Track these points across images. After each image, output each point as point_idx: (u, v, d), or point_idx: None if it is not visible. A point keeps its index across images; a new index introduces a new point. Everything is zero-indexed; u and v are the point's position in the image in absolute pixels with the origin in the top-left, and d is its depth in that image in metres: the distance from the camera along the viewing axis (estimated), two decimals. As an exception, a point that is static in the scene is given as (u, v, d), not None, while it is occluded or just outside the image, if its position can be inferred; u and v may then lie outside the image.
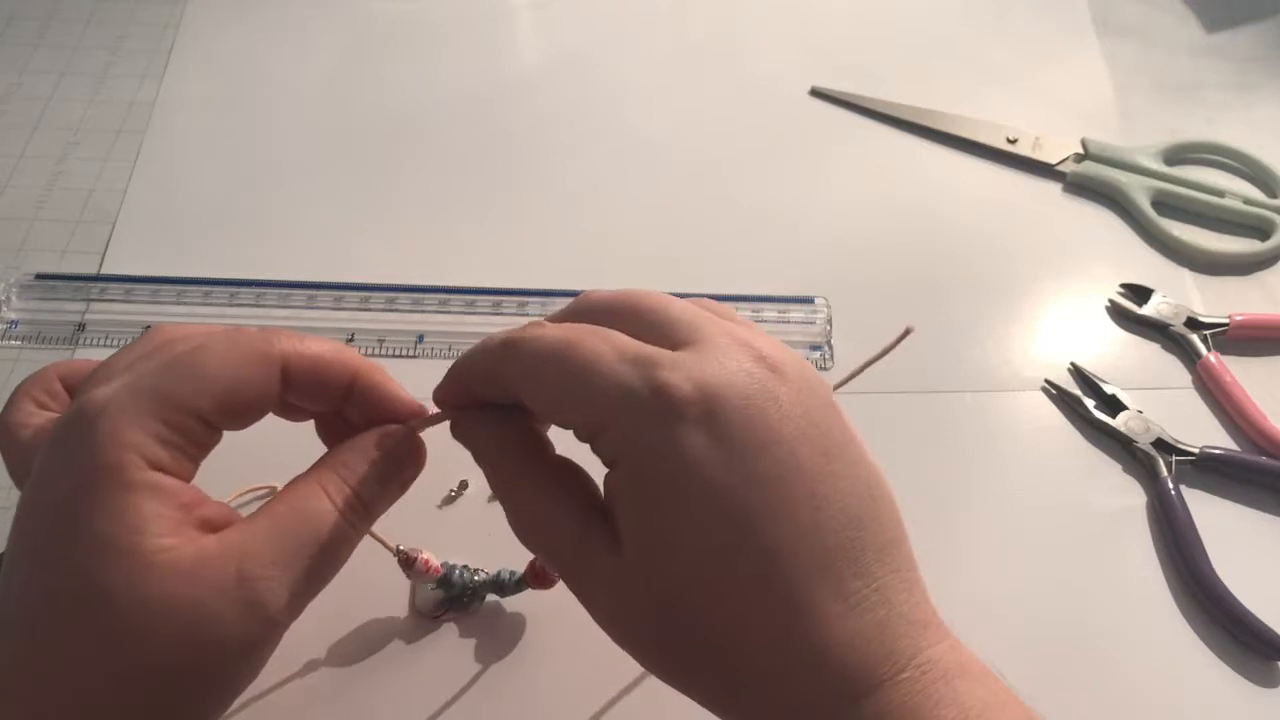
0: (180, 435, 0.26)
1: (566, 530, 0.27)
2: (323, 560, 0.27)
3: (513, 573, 0.37)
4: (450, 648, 0.37)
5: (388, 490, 0.30)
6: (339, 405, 0.29)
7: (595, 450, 0.26)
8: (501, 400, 0.28)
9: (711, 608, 0.24)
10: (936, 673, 0.24)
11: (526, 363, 0.27)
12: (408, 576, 0.36)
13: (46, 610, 0.25)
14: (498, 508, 0.41)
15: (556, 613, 0.37)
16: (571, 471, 0.29)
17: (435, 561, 0.36)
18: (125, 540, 0.24)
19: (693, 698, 0.26)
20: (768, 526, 0.24)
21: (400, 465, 0.30)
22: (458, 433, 0.30)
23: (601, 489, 0.27)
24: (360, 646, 0.37)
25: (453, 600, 0.37)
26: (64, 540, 0.25)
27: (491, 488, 0.30)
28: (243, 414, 0.27)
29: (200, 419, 0.26)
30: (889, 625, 0.24)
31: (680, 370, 0.25)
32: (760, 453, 0.25)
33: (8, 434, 0.30)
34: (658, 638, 0.26)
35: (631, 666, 0.36)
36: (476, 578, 0.37)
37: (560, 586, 0.37)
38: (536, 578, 0.37)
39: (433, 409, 0.30)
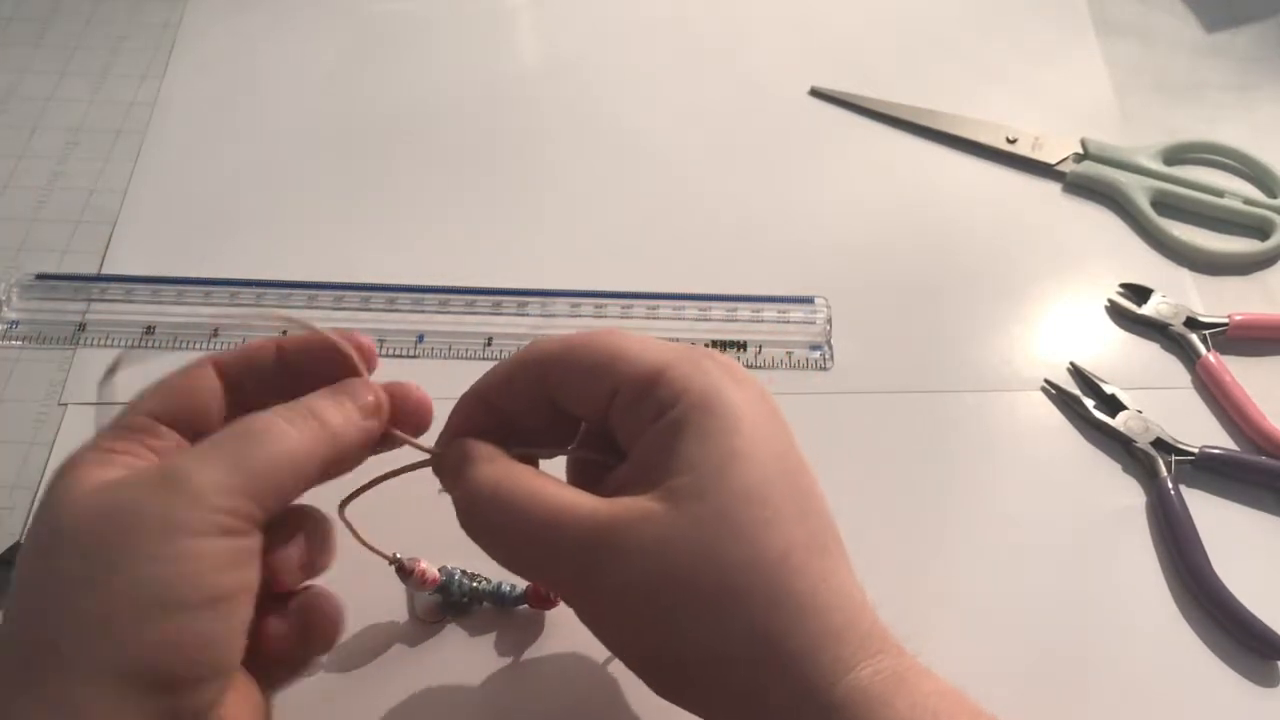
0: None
1: (587, 506, 0.27)
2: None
3: (513, 586, 0.37)
4: (451, 650, 0.37)
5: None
6: (279, 376, 0.30)
7: (644, 404, 0.28)
8: (522, 397, 0.30)
9: (767, 530, 0.26)
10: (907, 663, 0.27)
11: (576, 339, 0.29)
12: (405, 585, 0.36)
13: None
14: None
15: (558, 612, 0.38)
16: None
17: (433, 571, 0.36)
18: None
19: (686, 698, 0.27)
20: (801, 472, 0.28)
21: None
22: (446, 458, 0.30)
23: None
24: (362, 652, 0.36)
25: (451, 606, 0.37)
26: None
27: (477, 509, 0.29)
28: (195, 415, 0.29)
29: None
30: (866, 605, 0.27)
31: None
32: (775, 420, 0.29)
33: None
34: (696, 586, 0.26)
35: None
36: (474, 583, 0.37)
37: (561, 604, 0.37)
38: (538, 598, 0.37)
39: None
